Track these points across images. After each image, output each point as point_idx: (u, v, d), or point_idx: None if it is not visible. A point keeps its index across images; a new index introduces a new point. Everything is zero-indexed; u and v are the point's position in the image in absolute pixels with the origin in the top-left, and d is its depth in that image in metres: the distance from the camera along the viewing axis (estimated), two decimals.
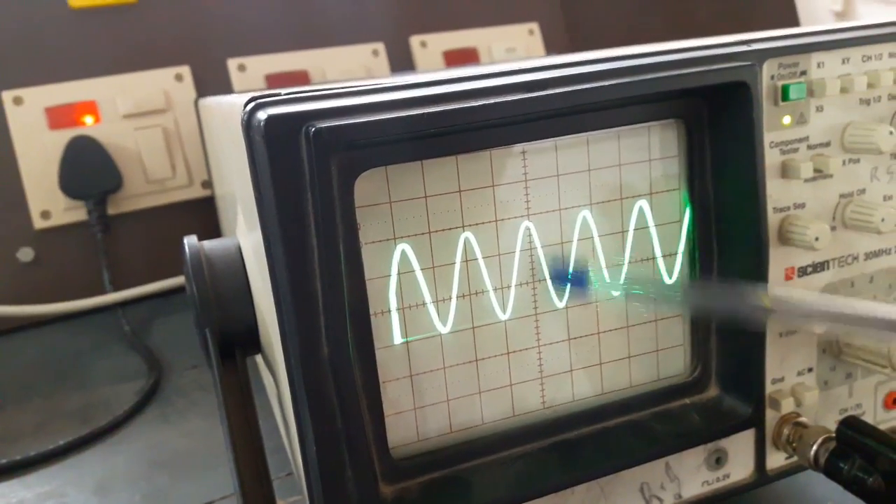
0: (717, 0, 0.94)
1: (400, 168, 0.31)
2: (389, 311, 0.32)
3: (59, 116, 0.79)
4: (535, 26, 1.02)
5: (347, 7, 0.94)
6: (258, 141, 0.27)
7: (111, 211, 0.81)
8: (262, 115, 0.27)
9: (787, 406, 0.38)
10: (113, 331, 0.77)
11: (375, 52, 0.93)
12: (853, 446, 0.35)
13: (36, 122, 0.79)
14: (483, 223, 0.33)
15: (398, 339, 0.33)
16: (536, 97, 0.29)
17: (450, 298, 0.33)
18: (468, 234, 0.33)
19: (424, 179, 0.32)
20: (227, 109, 0.40)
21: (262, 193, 0.28)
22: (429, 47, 0.96)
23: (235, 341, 0.37)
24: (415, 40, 0.96)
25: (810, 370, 0.39)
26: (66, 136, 0.79)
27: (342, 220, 0.29)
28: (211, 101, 0.60)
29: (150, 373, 0.66)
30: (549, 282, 0.35)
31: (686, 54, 0.33)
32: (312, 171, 0.27)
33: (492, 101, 0.29)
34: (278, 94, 0.28)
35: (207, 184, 0.85)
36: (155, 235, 0.84)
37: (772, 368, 0.38)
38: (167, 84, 0.84)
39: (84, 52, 0.82)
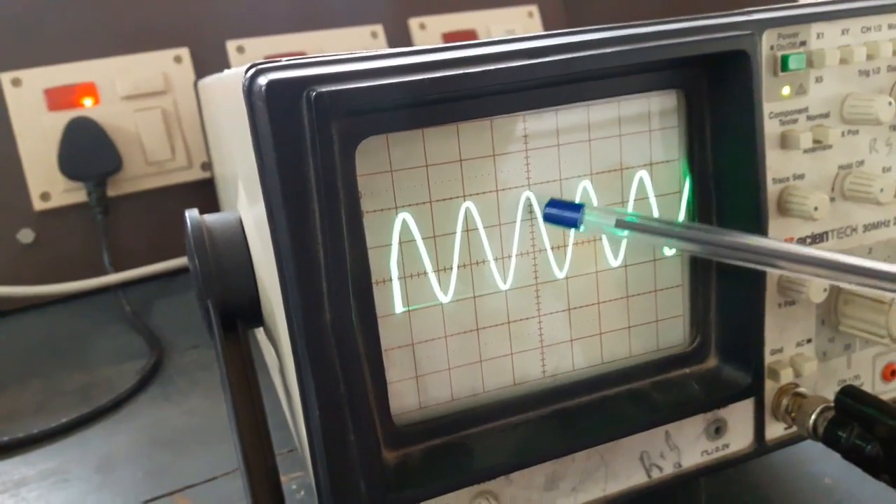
0: None
1: (401, 136, 0.31)
2: (391, 279, 0.33)
3: (58, 98, 0.79)
4: (534, 8, 1.02)
5: None
6: (259, 106, 0.27)
7: (111, 192, 0.81)
8: (263, 80, 0.27)
9: (786, 376, 0.38)
10: (113, 311, 0.77)
11: (374, 34, 0.93)
12: (852, 415, 0.35)
13: (35, 104, 0.79)
14: (484, 193, 0.33)
15: (399, 307, 0.33)
16: (537, 63, 0.29)
17: (451, 268, 0.34)
18: (469, 203, 0.33)
19: (425, 148, 0.32)
20: (227, 81, 0.40)
21: (264, 160, 0.28)
22: (428, 29, 0.96)
23: (237, 313, 0.37)
24: (414, 22, 0.96)
25: (809, 341, 0.39)
26: (65, 117, 0.79)
27: (344, 187, 0.29)
28: (211, 79, 0.60)
29: (152, 352, 0.67)
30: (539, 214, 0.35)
31: (686, 24, 0.33)
32: (314, 136, 0.27)
33: (493, 67, 0.29)
34: (279, 61, 0.28)
35: (207, 166, 0.85)
36: (155, 217, 0.84)
37: (771, 339, 0.38)
38: (166, 66, 0.84)
39: (83, 34, 0.82)
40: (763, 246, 0.30)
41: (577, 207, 0.33)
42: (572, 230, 0.35)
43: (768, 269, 0.31)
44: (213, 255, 0.36)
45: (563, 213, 0.34)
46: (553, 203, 0.34)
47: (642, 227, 0.32)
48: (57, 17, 0.81)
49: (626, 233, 0.33)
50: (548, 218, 0.34)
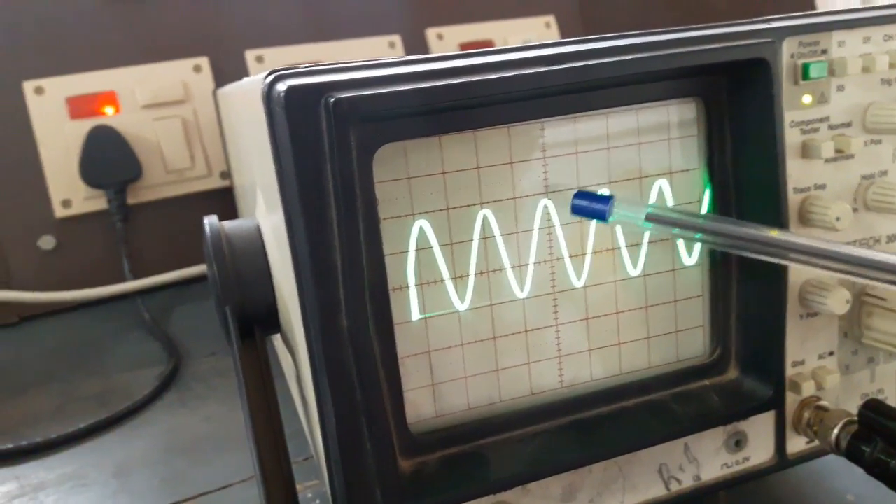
0: None
1: (418, 143, 0.31)
2: (408, 287, 0.33)
3: (80, 106, 0.80)
4: (551, 19, 1.02)
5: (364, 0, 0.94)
6: (278, 112, 0.27)
7: (131, 200, 0.82)
8: (282, 86, 0.27)
9: (808, 389, 0.38)
10: (132, 318, 0.78)
11: (392, 45, 0.94)
12: (876, 429, 0.35)
13: (57, 112, 0.80)
14: (501, 200, 0.33)
15: (416, 315, 0.33)
16: (556, 70, 0.29)
17: (468, 276, 0.33)
18: (486, 210, 0.33)
19: (443, 155, 0.32)
20: (247, 88, 0.41)
21: (283, 165, 0.28)
22: (445, 40, 0.96)
23: (255, 320, 0.38)
24: (431, 33, 0.96)
25: (831, 353, 0.39)
26: (86, 125, 0.80)
27: (361, 193, 0.29)
28: (230, 88, 0.60)
29: (169, 359, 0.67)
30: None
31: (706, 31, 0.33)
32: (332, 142, 0.27)
33: (511, 73, 0.29)
34: (298, 67, 0.28)
35: (226, 174, 0.86)
36: (174, 225, 0.84)
37: (792, 351, 0.37)
38: (186, 75, 0.85)
39: (104, 43, 0.83)
40: (801, 243, 0.29)
41: (606, 199, 0.33)
42: (592, 228, 0.35)
43: (805, 266, 0.30)
44: (232, 262, 0.36)
45: (591, 205, 0.33)
46: (581, 194, 0.33)
47: (672, 220, 0.32)
48: (79, 26, 0.82)
49: (651, 226, 0.32)
50: (575, 209, 0.33)
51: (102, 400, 0.62)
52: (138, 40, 0.84)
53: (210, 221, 0.38)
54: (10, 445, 0.54)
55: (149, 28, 0.85)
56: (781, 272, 0.35)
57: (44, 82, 0.80)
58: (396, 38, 0.94)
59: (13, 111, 0.79)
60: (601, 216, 0.33)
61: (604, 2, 1.04)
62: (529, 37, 1.00)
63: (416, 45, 0.95)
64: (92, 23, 0.82)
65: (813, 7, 0.92)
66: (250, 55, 0.88)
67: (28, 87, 0.79)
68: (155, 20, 0.85)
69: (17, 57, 0.79)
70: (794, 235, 0.30)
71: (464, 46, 0.97)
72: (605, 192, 0.34)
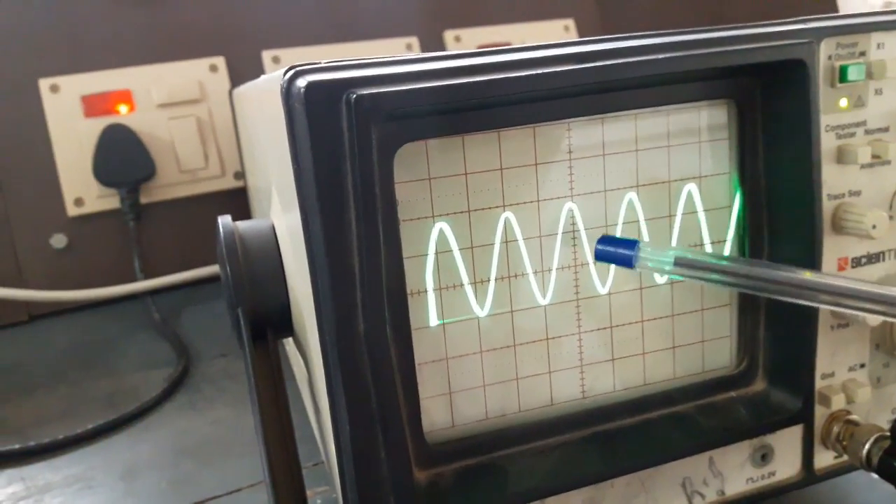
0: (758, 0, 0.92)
1: (441, 143, 0.30)
2: (426, 291, 0.32)
3: (95, 104, 0.80)
4: (570, 22, 1.01)
5: (382, 1, 0.93)
6: (297, 109, 0.26)
7: (143, 199, 0.82)
8: (301, 82, 0.26)
9: (838, 402, 0.37)
10: (142, 318, 0.77)
11: (409, 47, 0.93)
12: None
13: (71, 110, 0.79)
14: (524, 203, 0.32)
15: (434, 320, 0.32)
16: (585, 68, 0.28)
17: (488, 280, 0.32)
18: (508, 213, 0.32)
19: (465, 156, 0.31)
20: (264, 86, 0.40)
21: (301, 164, 0.27)
22: (463, 42, 0.95)
23: (267, 322, 0.37)
24: (449, 35, 0.95)
25: (862, 366, 0.38)
26: (100, 124, 0.79)
27: (381, 194, 0.28)
28: (246, 87, 0.60)
29: (179, 360, 0.66)
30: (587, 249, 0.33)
31: (741, 31, 0.32)
32: (352, 140, 0.26)
33: (541, 71, 0.28)
34: (318, 63, 0.27)
35: (240, 175, 0.85)
36: (186, 225, 0.84)
37: (822, 363, 0.36)
38: (202, 74, 0.84)
39: (120, 41, 0.82)
40: (836, 285, 0.28)
41: (632, 244, 0.32)
42: (618, 233, 0.33)
43: (843, 311, 0.29)
44: (245, 263, 0.36)
45: (616, 251, 0.32)
46: (605, 240, 0.32)
47: (701, 264, 0.30)
48: (95, 24, 0.82)
49: (679, 270, 0.31)
50: (599, 256, 0.32)
51: (111, 401, 0.61)
52: (154, 39, 0.83)
53: (224, 221, 0.37)
54: (16, 446, 0.53)
55: (165, 27, 0.84)
56: None
57: (59, 80, 0.79)
58: (414, 40, 0.93)
59: (28, 109, 0.79)
60: (627, 262, 0.32)
61: (623, 5, 1.03)
62: (548, 41, 0.99)
63: (433, 47, 0.95)
64: (108, 21, 0.82)
65: (835, 11, 0.91)
66: (267, 55, 0.88)
67: (43, 84, 0.79)
68: (171, 19, 0.84)
69: (32, 54, 0.79)
70: (830, 276, 0.28)
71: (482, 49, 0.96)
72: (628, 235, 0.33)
